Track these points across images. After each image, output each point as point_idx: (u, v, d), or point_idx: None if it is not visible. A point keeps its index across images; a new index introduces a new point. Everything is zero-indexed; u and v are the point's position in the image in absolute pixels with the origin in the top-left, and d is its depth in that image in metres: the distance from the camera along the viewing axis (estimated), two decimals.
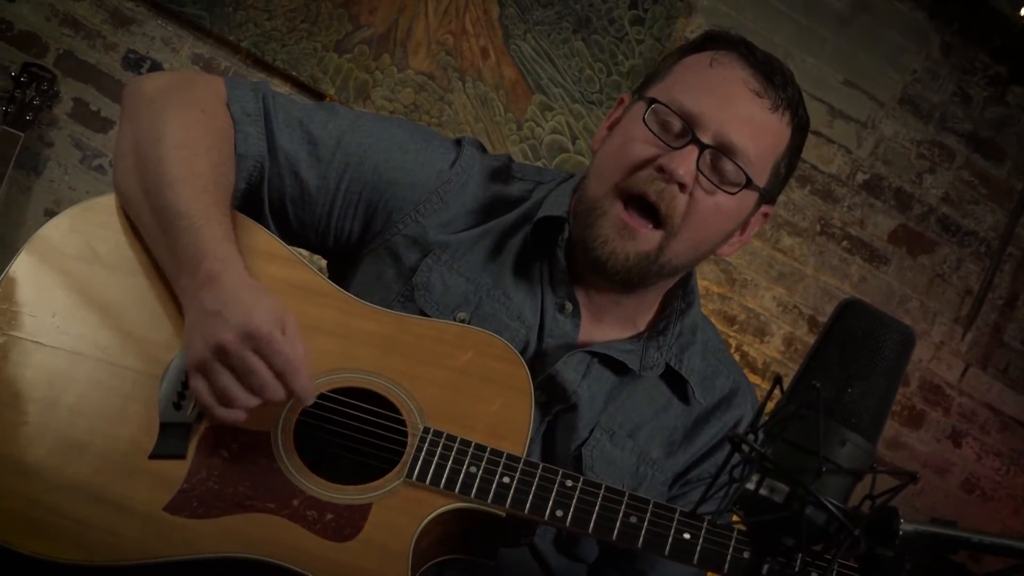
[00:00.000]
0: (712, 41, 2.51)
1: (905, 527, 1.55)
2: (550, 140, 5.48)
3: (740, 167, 2.41)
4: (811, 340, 5.81)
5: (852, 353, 1.56)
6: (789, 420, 1.53)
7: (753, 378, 5.72)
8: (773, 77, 2.46)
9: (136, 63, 5.19)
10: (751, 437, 1.55)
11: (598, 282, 2.53)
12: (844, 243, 5.87)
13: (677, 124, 2.40)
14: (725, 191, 2.42)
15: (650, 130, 2.40)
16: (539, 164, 5.38)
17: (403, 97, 5.34)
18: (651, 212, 2.40)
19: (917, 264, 5.94)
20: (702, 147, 2.38)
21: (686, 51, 2.54)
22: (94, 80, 5.16)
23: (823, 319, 5.82)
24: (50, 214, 4.94)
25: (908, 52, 5.89)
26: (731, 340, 5.73)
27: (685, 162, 2.36)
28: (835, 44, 5.81)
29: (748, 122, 2.42)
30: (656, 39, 5.54)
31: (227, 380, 2.17)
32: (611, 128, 2.58)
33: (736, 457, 1.56)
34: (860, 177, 5.88)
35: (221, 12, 5.16)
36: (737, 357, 5.72)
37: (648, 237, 2.41)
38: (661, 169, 2.37)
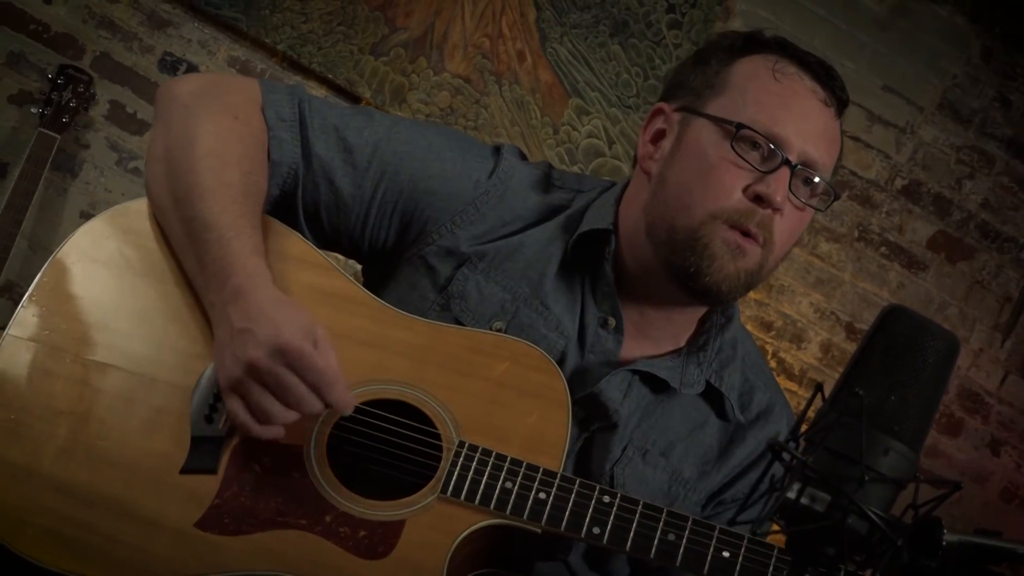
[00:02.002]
0: (757, 44, 2.51)
1: (949, 537, 1.53)
2: (586, 144, 5.46)
3: (827, 183, 2.45)
4: (849, 347, 5.78)
5: (895, 360, 1.54)
6: (831, 428, 1.51)
7: (790, 385, 5.69)
8: (833, 84, 2.48)
9: (172, 65, 5.19)
10: (792, 445, 1.53)
11: (658, 298, 2.52)
12: (882, 249, 5.83)
13: (764, 146, 2.38)
14: (814, 207, 2.46)
15: (739, 155, 2.38)
16: (576, 168, 5.37)
17: (439, 100, 5.33)
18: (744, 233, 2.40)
19: (956, 271, 5.90)
20: (792, 168, 2.38)
21: (731, 55, 2.51)
22: (130, 82, 5.16)
23: (861, 326, 5.79)
24: (86, 216, 4.95)
25: (948, 57, 5.85)
26: (768, 346, 5.70)
27: (781, 188, 2.37)
28: (874, 49, 5.78)
29: (824, 135, 2.44)
30: (693, 43, 5.52)
31: (262, 397, 2.15)
32: (656, 142, 2.54)
33: (776, 465, 1.55)
34: (899, 183, 5.84)
35: (258, 15, 5.17)
36: (774, 364, 5.70)
37: (753, 254, 2.40)
38: (758, 197, 2.37)
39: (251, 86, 2.55)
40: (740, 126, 2.38)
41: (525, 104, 5.42)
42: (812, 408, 1.58)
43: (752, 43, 2.52)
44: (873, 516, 1.47)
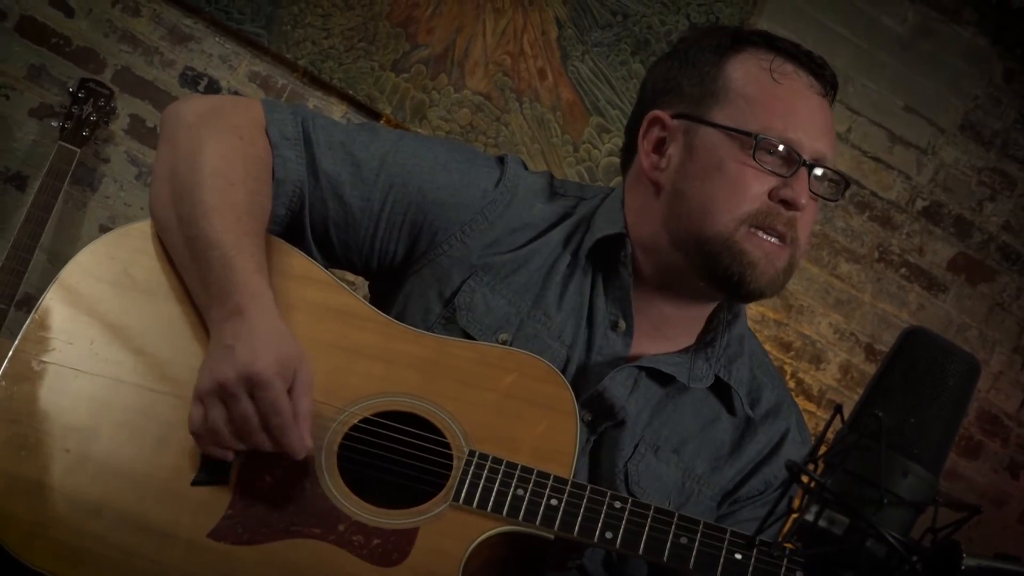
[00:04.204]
0: (742, 40, 2.54)
1: (968, 562, 1.52)
2: (607, 163, 5.46)
3: (840, 173, 2.51)
4: (868, 368, 5.77)
5: (916, 382, 1.53)
6: (850, 450, 1.50)
7: (808, 405, 5.68)
8: (825, 72, 2.53)
9: (193, 80, 5.20)
10: (811, 467, 1.52)
11: (682, 297, 2.56)
12: (902, 270, 5.82)
13: (781, 151, 2.42)
14: (829, 198, 2.52)
15: (760, 163, 2.42)
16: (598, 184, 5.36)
17: (460, 117, 5.34)
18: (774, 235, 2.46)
19: (976, 292, 5.88)
20: (809, 168, 2.44)
21: (719, 55, 2.53)
22: (151, 96, 5.18)
23: (880, 347, 5.78)
24: (105, 230, 4.96)
25: (969, 78, 5.84)
26: (787, 367, 5.69)
27: (803, 189, 2.43)
28: (896, 69, 5.77)
29: (827, 128, 2.49)
30: None
31: (218, 418, 2.16)
32: (658, 151, 2.54)
33: (794, 487, 1.54)
34: (919, 204, 5.83)
35: (279, 30, 5.18)
36: (792, 384, 5.68)
37: (784, 255, 2.46)
38: (784, 201, 2.42)
39: (254, 106, 2.56)
40: (758, 137, 2.42)
41: (545, 122, 5.42)
42: (831, 430, 1.57)
43: (738, 40, 2.54)
44: (892, 539, 1.46)
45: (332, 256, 2.57)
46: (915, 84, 5.80)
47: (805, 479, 1.51)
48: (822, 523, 1.50)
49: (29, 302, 4.77)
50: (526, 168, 2.66)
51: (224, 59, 5.23)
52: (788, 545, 1.58)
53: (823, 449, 1.55)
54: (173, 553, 2.14)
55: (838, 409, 1.56)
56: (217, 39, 5.22)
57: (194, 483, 2.20)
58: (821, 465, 1.54)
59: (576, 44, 5.44)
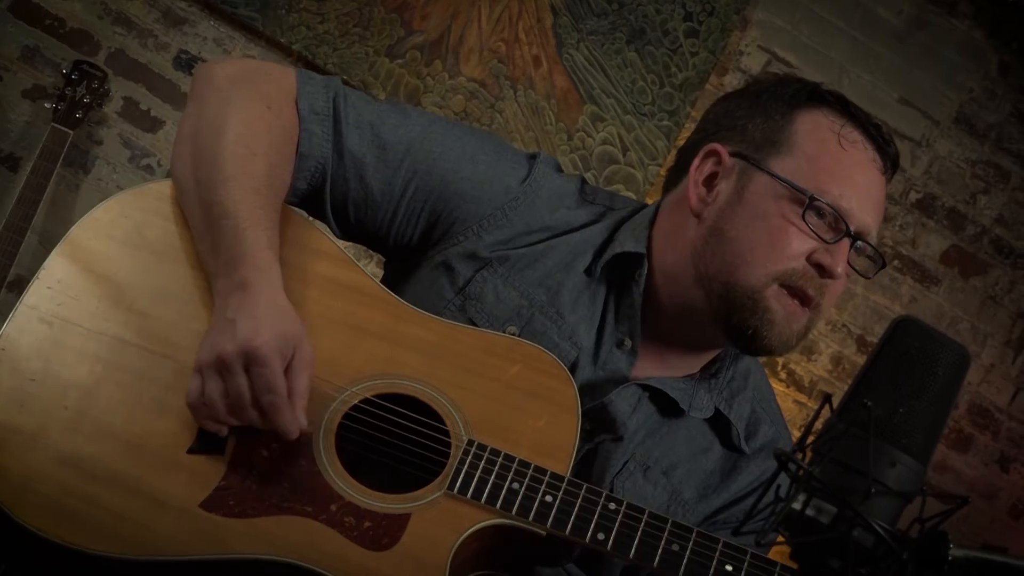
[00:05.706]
0: (817, 97, 2.51)
1: (954, 552, 1.51)
2: (600, 151, 5.45)
3: (877, 252, 2.51)
4: (859, 360, 5.77)
5: (905, 372, 1.53)
6: (838, 439, 1.50)
7: (799, 396, 5.68)
8: (889, 150, 2.53)
9: (188, 63, 5.20)
10: (798, 456, 1.52)
11: (689, 334, 2.54)
12: (895, 263, 5.81)
13: (830, 216, 2.40)
14: (864, 275, 2.52)
15: (807, 223, 2.39)
16: (589, 175, 5.36)
17: (454, 104, 5.33)
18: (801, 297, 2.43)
19: (969, 286, 5.88)
20: (853, 240, 2.42)
21: (791, 107, 2.51)
22: (145, 79, 5.17)
23: (872, 339, 5.77)
24: None
25: (965, 71, 5.84)
26: (778, 358, 5.68)
27: (842, 259, 2.41)
28: (891, 61, 5.76)
29: (879, 205, 2.49)
30: (710, 52, 5.51)
31: (215, 391, 2.17)
32: (707, 184, 2.52)
33: (782, 476, 1.54)
34: (913, 196, 5.83)
35: (274, 14, 5.17)
36: (784, 375, 5.68)
37: (805, 318, 2.44)
38: (821, 267, 2.40)
39: (287, 76, 2.55)
40: (812, 197, 2.39)
41: (540, 109, 5.41)
42: (820, 419, 1.57)
43: (814, 96, 2.51)
44: (879, 529, 1.46)
45: (348, 230, 2.58)
46: (910, 76, 5.79)
47: (793, 467, 1.51)
48: (809, 512, 1.49)
49: (20, 284, 4.77)
50: (559, 170, 2.64)
51: (219, 43, 5.23)
52: (780, 538, 1.57)
53: (811, 438, 1.55)
54: (163, 520, 2.14)
55: (827, 398, 1.55)
56: (211, 23, 5.22)
57: (190, 451, 2.20)
58: (809, 454, 1.54)
59: (571, 32, 5.43)
